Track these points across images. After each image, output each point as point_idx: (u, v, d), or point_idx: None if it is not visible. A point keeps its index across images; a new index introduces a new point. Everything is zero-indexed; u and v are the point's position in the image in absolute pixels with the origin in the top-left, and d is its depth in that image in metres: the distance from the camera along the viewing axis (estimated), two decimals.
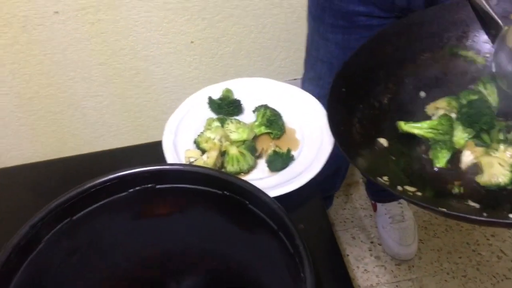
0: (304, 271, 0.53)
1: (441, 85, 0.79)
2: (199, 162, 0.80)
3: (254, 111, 0.92)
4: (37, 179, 0.92)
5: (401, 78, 0.79)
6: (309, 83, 1.33)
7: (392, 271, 1.71)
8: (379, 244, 1.79)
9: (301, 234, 0.55)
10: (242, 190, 0.61)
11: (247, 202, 0.62)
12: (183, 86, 1.77)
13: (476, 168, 0.70)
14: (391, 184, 0.65)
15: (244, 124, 0.89)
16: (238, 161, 0.82)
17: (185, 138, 0.88)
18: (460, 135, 0.74)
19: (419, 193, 0.65)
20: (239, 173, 0.83)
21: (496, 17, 0.74)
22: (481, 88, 0.77)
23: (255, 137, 0.89)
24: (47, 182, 0.91)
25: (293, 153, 0.85)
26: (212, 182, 0.63)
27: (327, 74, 1.22)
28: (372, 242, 1.81)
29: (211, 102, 0.93)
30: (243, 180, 0.61)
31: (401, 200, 1.80)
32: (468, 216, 0.56)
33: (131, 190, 0.65)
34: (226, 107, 0.91)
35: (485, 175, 0.67)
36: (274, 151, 0.84)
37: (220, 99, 0.93)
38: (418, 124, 0.75)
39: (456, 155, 0.73)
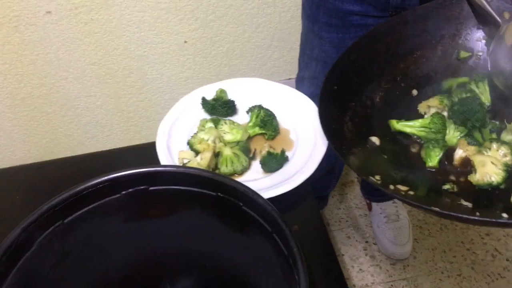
0: (298, 273, 0.53)
1: (433, 83, 0.79)
2: (193, 164, 0.79)
3: (248, 112, 0.92)
4: (29, 181, 0.91)
5: (393, 76, 0.79)
6: (303, 83, 1.33)
7: (387, 270, 1.71)
8: (374, 244, 1.79)
9: (295, 236, 0.55)
10: (236, 191, 0.61)
11: (241, 204, 0.61)
12: (177, 86, 1.77)
13: (469, 166, 0.70)
14: (383, 183, 0.65)
15: (238, 125, 0.89)
16: (232, 162, 0.82)
17: (178, 139, 0.88)
18: (453, 134, 0.74)
19: (411, 192, 0.65)
20: (233, 174, 0.82)
21: (494, 14, 0.74)
22: (473, 86, 0.77)
23: (249, 138, 0.88)
24: (39, 184, 0.90)
25: (287, 153, 0.85)
26: (205, 183, 0.63)
27: (322, 73, 1.22)
28: (367, 242, 1.81)
29: (205, 102, 0.92)
30: (237, 182, 0.61)
31: (396, 200, 1.80)
32: (460, 215, 0.55)
33: (124, 192, 0.65)
34: (220, 108, 0.91)
35: (477, 174, 0.67)
36: (268, 152, 0.83)
37: (214, 99, 0.92)
38: (410, 123, 0.75)
39: (448, 153, 0.73)
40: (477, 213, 0.60)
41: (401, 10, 0.98)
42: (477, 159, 0.68)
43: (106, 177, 0.63)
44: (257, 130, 0.88)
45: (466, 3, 0.78)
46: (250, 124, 0.89)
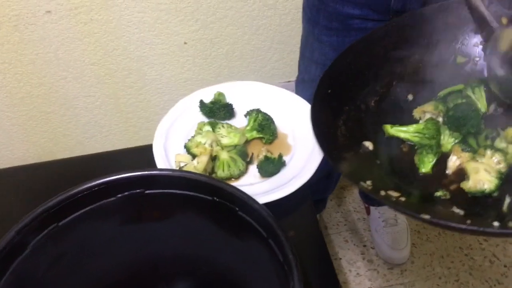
0: (293, 280, 0.52)
1: (429, 88, 0.78)
2: (189, 167, 0.79)
3: (246, 115, 0.91)
4: (26, 182, 0.91)
5: (389, 81, 0.78)
6: (302, 86, 1.33)
7: (384, 275, 1.71)
8: (372, 248, 1.79)
9: (290, 243, 0.55)
10: (232, 196, 0.61)
11: (237, 209, 0.61)
12: (176, 87, 1.77)
13: (462, 173, 0.69)
14: (373, 188, 0.64)
15: (236, 128, 0.88)
16: (229, 166, 0.81)
17: (176, 142, 0.87)
18: (447, 140, 0.73)
19: (402, 198, 0.64)
20: (229, 178, 0.82)
21: (489, 19, 0.73)
22: (469, 92, 0.76)
23: (247, 142, 0.88)
24: (36, 186, 0.90)
25: (284, 158, 0.84)
26: (201, 187, 0.63)
27: None
28: (365, 246, 1.80)
29: (203, 105, 0.92)
30: (233, 186, 0.60)
31: None
32: (449, 224, 0.54)
33: (120, 195, 0.64)
34: (218, 111, 0.90)
35: (470, 181, 0.66)
36: (266, 157, 0.83)
37: (211, 102, 0.92)
38: (404, 128, 0.74)
39: (442, 159, 0.72)
40: (468, 221, 0.60)
41: (402, 14, 0.98)
42: (470, 166, 0.67)
43: (101, 180, 0.63)
44: (254, 134, 0.88)
45: (464, 8, 0.77)
46: (248, 128, 0.88)
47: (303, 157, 0.84)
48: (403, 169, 0.72)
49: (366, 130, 0.74)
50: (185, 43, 1.65)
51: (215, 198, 0.62)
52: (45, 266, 0.62)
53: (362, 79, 0.77)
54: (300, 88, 1.35)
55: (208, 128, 0.86)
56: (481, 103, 0.75)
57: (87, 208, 0.63)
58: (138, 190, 0.64)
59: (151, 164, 0.83)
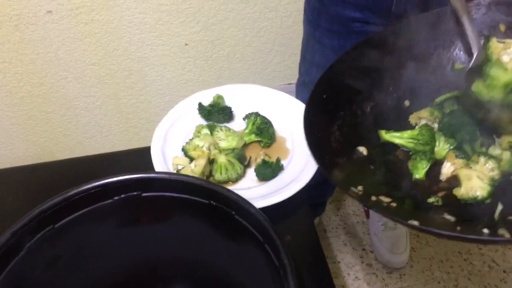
0: (288, 285, 0.52)
1: (426, 94, 0.78)
2: (187, 170, 0.79)
3: (244, 119, 0.91)
4: (24, 183, 0.91)
5: (385, 86, 0.78)
6: (303, 88, 1.33)
7: (383, 279, 1.70)
8: (371, 252, 1.79)
9: (286, 247, 0.55)
10: (228, 200, 0.61)
11: (233, 213, 0.61)
12: (177, 88, 1.76)
13: (456, 180, 0.69)
14: (364, 194, 0.63)
15: (234, 131, 0.88)
16: (226, 170, 0.81)
17: (174, 144, 0.87)
18: (442, 146, 0.73)
19: (394, 204, 0.63)
20: (227, 181, 0.82)
21: (472, 42, 0.73)
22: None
23: (245, 145, 0.88)
24: (33, 187, 0.90)
25: (282, 162, 0.84)
26: (198, 191, 0.63)
27: None
28: (364, 249, 1.80)
29: (201, 108, 0.91)
30: (229, 190, 0.60)
31: None
32: (437, 231, 0.54)
33: (117, 197, 0.64)
34: (217, 114, 0.90)
35: (462, 188, 0.66)
36: (263, 160, 0.83)
37: (210, 105, 0.92)
38: (399, 134, 0.74)
39: (436, 166, 0.71)
40: (458, 228, 0.59)
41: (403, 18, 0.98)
42: (463, 173, 0.67)
43: (98, 182, 0.63)
44: (253, 137, 0.87)
45: None
46: (246, 131, 0.88)
47: (301, 161, 0.84)
48: (396, 174, 0.71)
49: (360, 135, 0.73)
50: (186, 44, 1.64)
51: (211, 201, 0.62)
52: (41, 268, 0.62)
53: (358, 85, 0.76)
54: (300, 90, 1.35)
55: (206, 131, 0.86)
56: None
57: (83, 210, 0.63)
58: (135, 193, 0.64)
59: (150, 166, 0.83)
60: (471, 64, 0.73)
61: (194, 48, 1.66)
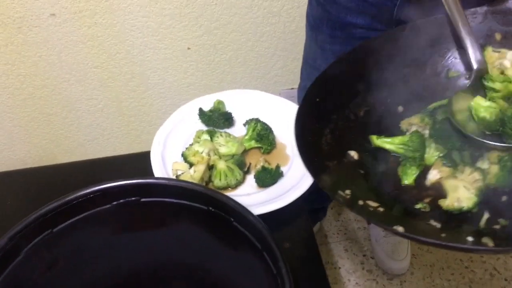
0: None
1: (420, 101, 0.78)
2: (186, 176, 0.78)
3: (245, 124, 0.91)
4: (24, 186, 0.91)
5: (380, 92, 0.78)
6: (304, 93, 1.32)
7: (383, 285, 1.70)
8: (372, 258, 1.78)
9: (284, 255, 0.54)
10: (227, 207, 0.60)
11: (232, 219, 0.61)
12: (179, 92, 1.76)
13: (442, 187, 0.69)
14: (351, 198, 0.63)
15: (234, 137, 0.88)
16: (226, 176, 0.81)
17: (174, 149, 0.87)
18: (432, 153, 0.73)
19: (381, 209, 0.63)
20: (226, 188, 0.82)
21: (471, 58, 0.73)
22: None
23: (245, 151, 0.88)
24: (33, 190, 0.90)
25: (282, 169, 0.84)
26: (197, 197, 0.63)
27: None
28: (364, 255, 1.80)
29: (202, 113, 0.91)
30: (228, 197, 0.60)
31: None
32: (421, 238, 0.54)
33: (115, 202, 0.64)
34: (217, 119, 0.90)
35: (448, 199, 0.65)
36: (263, 167, 0.82)
37: (210, 111, 0.92)
38: (390, 139, 0.74)
39: (425, 172, 0.71)
40: (443, 235, 0.59)
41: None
42: (448, 183, 0.67)
43: (97, 187, 0.63)
44: (253, 143, 0.87)
45: None
46: (246, 137, 0.88)
47: (301, 168, 0.83)
48: (386, 180, 0.71)
49: (352, 139, 0.73)
50: (188, 48, 1.64)
51: (210, 208, 0.62)
52: (38, 272, 0.62)
53: (353, 89, 0.76)
54: (301, 95, 1.35)
55: (206, 136, 0.86)
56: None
57: (82, 215, 0.63)
58: (133, 198, 0.64)
59: (150, 171, 0.83)
60: (471, 80, 0.73)
61: (197, 52, 1.66)
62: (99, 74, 1.66)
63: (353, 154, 0.72)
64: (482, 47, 0.74)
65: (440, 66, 0.79)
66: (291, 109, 0.94)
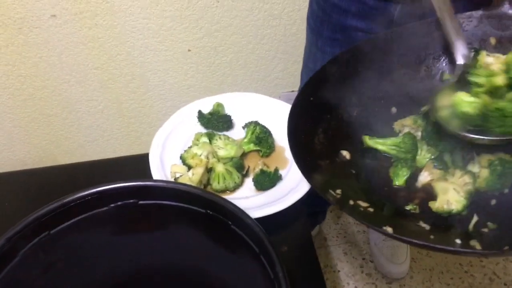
0: None
1: (413, 102, 0.78)
2: (184, 179, 0.78)
3: (244, 127, 0.91)
4: (22, 187, 0.90)
5: (374, 93, 0.78)
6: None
7: None
8: (371, 261, 1.78)
9: (281, 259, 0.54)
10: (225, 210, 0.60)
11: (230, 223, 0.61)
12: (179, 93, 1.76)
13: (432, 189, 0.69)
14: (342, 197, 0.63)
15: (233, 140, 0.88)
16: (224, 179, 0.81)
17: (172, 152, 0.87)
18: (424, 155, 0.73)
19: (371, 209, 0.63)
20: (225, 191, 0.82)
21: (456, 54, 0.73)
22: None
23: (244, 154, 0.87)
24: (32, 191, 0.90)
25: (281, 172, 0.84)
26: (195, 200, 0.62)
27: None
28: (364, 259, 1.79)
29: (201, 116, 0.91)
30: (226, 200, 0.60)
31: None
32: (407, 239, 0.54)
33: (113, 205, 0.64)
34: (216, 122, 0.90)
35: (437, 201, 0.66)
36: (262, 170, 0.82)
37: (210, 113, 0.92)
38: (382, 140, 0.74)
39: (417, 174, 0.71)
40: (432, 236, 0.59)
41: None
42: (438, 186, 0.67)
43: (95, 189, 0.63)
44: (251, 146, 0.87)
45: None
46: (245, 140, 0.88)
47: (299, 172, 0.83)
48: (377, 180, 0.71)
49: (345, 139, 0.74)
50: (189, 50, 1.64)
51: (208, 211, 0.62)
52: (35, 274, 0.62)
53: (347, 90, 0.76)
54: None
55: (205, 139, 0.86)
56: None
57: (79, 217, 0.63)
58: (131, 200, 0.64)
59: (148, 173, 0.83)
60: (456, 75, 0.73)
61: (197, 54, 1.66)
62: (99, 75, 1.65)
63: (346, 154, 0.72)
64: (476, 51, 0.73)
65: (434, 68, 0.79)
66: None
